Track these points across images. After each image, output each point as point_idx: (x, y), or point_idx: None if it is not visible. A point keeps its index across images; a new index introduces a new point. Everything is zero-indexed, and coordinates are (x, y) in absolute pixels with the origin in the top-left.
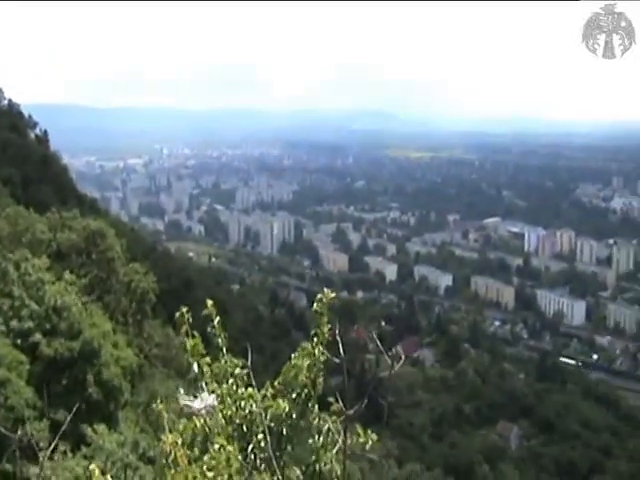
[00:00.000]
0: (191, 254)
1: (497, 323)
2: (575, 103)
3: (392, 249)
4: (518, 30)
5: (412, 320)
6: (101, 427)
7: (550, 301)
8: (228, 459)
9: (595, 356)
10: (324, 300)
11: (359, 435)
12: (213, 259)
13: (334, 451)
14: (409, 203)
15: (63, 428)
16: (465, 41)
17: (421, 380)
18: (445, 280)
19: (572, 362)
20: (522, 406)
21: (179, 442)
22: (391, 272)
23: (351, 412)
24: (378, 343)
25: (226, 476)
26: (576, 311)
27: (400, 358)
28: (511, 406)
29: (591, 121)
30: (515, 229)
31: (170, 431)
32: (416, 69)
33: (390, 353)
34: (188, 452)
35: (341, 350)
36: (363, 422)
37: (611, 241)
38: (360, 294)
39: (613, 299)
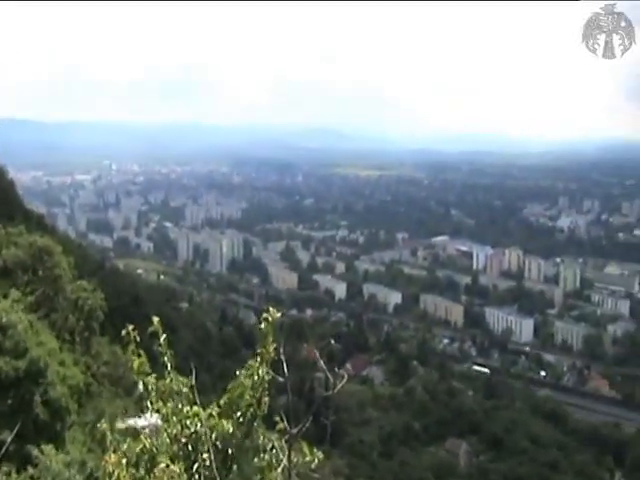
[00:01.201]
0: (140, 271)
1: (446, 341)
2: (523, 123)
3: (341, 267)
4: (467, 49)
5: (361, 338)
6: (48, 447)
7: (498, 319)
8: (172, 478)
9: (543, 373)
10: (269, 319)
11: (305, 454)
12: (162, 276)
13: (279, 470)
14: (358, 221)
15: (5, 448)
16: (414, 59)
17: (370, 398)
18: (394, 298)
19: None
20: (471, 423)
21: (123, 462)
22: (340, 290)
23: (295, 431)
24: (320, 361)
25: None
26: (524, 328)
27: (343, 376)
28: (460, 423)
29: (537, 141)
30: (464, 247)
31: (115, 451)
32: (367, 86)
33: (337, 371)
34: (133, 472)
35: (285, 369)
36: (313, 441)
37: (558, 259)
38: (309, 312)
39: (560, 317)
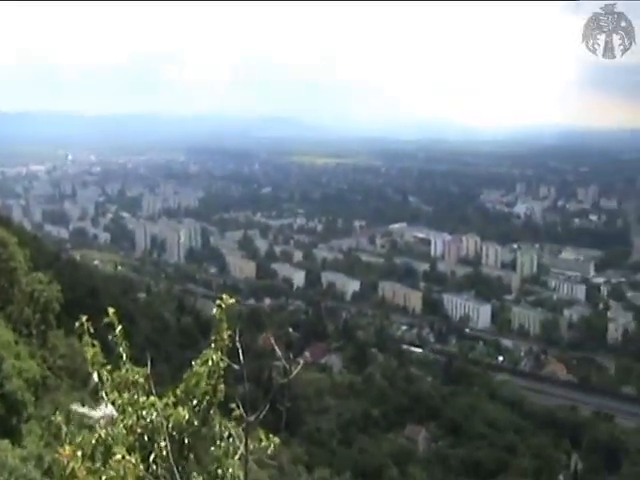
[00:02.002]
0: (96, 262)
1: (404, 327)
2: (479, 110)
3: (299, 255)
4: (422, 36)
5: (320, 326)
6: (4, 442)
7: (456, 305)
8: (128, 469)
9: (500, 358)
10: (223, 306)
11: (262, 440)
12: (119, 267)
13: (236, 457)
14: (316, 209)
15: None
16: (370, 45)
17: (329, 386)
18: (352, 286)
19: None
20: (429, 409)
21: (79, 454)
22: (298, 278)
23: (252, 418)
24: (277, 349)
25: None
26: (482, 314)
27: (298, 363)
28: (418, 409)
29: (494, 128)
30: (421, 234)
31: (70, 443)
32: (323, 75)
33: (293, 359)
34: (89, 464)
35: (241, 356)
36: (271, 430)
37: (515, 245)
38: (268, 301)
39: (517, 302)
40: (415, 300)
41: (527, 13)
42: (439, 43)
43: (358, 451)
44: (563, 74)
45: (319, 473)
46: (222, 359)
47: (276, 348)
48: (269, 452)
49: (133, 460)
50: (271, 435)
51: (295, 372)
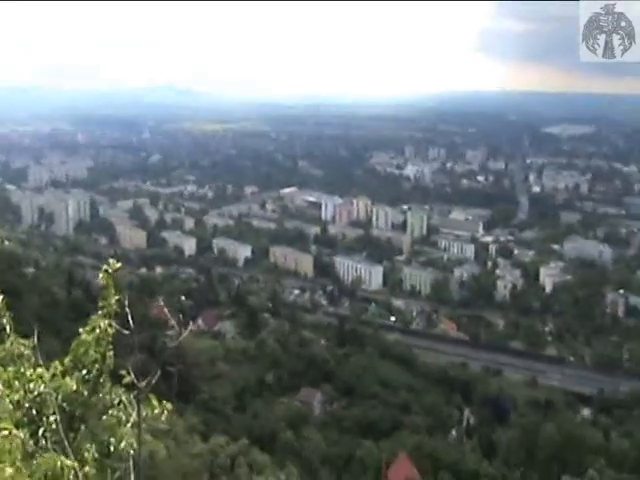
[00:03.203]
0: None
1: (296, 292)
2: (368, 75)
3: (190, 223)
4: (306, 8)
5: (212, 293)
6: None
7: (348, 267)
8: (13, 445)
9: (392, 318)
10: (109, 271)
11: (154, 407)
12: (6, 242)
13: (129, 425)
14: (206, 176)
15: None
16: (256, 18)
17: (222, 352)
18: (244, 252)
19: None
20: (323, 371)
21: None
22: (189, 246)
23: (143, 384)
24: (168, 316)
25: (9, 463)
26: (373, 276)
27: (186, 328)
28: (312, 372)
29: (383, 92)
30: (312, 198)
31: None
32: (211, 43)
33: (183, 326)
34: None
35: (130, 322)
36: (165, 399)
37: (405, 207)
38: (159, 270)
39: (408, 263)
40: (307, 264)
41: None
42: (327, 13)
43: (253, 416)
44: (451, 39)
45: (214, 441)
46: (110, 325)
47: (168, 315)
48: (162, 419)
49: (21, 435)
50: (164, 402)
51: (183, 336)
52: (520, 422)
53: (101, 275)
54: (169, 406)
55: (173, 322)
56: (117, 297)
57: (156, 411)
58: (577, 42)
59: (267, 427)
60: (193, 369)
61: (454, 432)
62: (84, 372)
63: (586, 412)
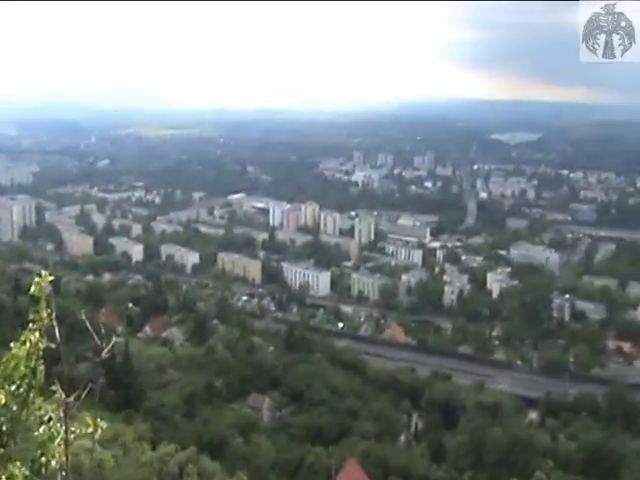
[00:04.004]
0: None
1: (245, 298)
2: (317, 82)
3: (138, 229)
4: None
5: (160, 300)
6: None
7: (296, 273)
8: None
9: (341, 324)
10: (42, 283)
11: (87, 424)
12: None
13: (57, 441)
14: (154, 182)
15: None
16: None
17: (171, 359)
18: (192, 258)
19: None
20: (272, 378)
21: None
22: (137, 252)
23: (71, 399)
24: (89, 326)
25: None
26: (321, 282)
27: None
28: (261, 379)
29: (332, 99)
30: (260, 204)
31: None
32: (161, 48)
33: (129, 334)
34: None
35: (58, 334)
36: (115, 407)
37: (353, 213)
38: (107, 276)
39: (356, 268)
40: (255, 270)
41: None
42: (281, 15)
43: (202, 423)
44: (399, 47)
45: (163, 449)
46: (41, 339)
47: (119, 325)
48: (97, 437)
49: None
50: (98, 419)
51: (108, 348)
52: (468, 426)
53: (33, 287)
54: (102, 424)
55: (121, 329)
56: (49, 310)
57: (89, 429)
58: (525, 49)
59: (216, 434)
60: (141, 376)
61: (403, 437)
62: (13, 387)
63: (533, 415)
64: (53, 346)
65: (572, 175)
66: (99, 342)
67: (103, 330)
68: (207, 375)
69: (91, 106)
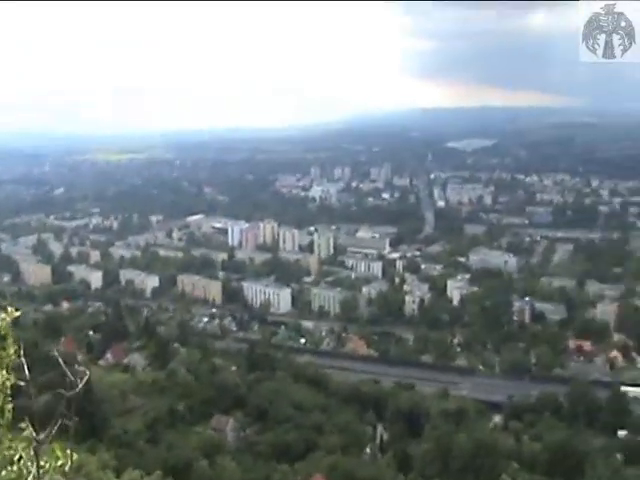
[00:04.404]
0: None
1: (205, 319)
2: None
3: (96, 255)
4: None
5: (120, 326)
6: None
7: (256, 292)
8: None
9: (302, 340)
10: (7, 318)
11: (57, 458)
12: None
13: (30, 479)
14: (111, 207)
15: None
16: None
17: (133, 385)
18: (151, 282)
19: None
20: (235, 398)
21: None
22: (96, 279)
23: (42, 436)
24: (60, 361)
25: None
26: (282, 299)
27: (85, 372)
28: (224, 399)
29: (288, 115)
30: (218, 224)
31: None
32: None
33: (78, 367)
34: None
35: (27, 370)
36: (78, 438)
37: (312, 228)
38: (65, 305)
39: (316, 283)
40: (215, 290)
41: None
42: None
43: (167, 448)
44: (352, 60)
45: (128, 476)
46: (9, 377)
47: (80, 353)
48: (67, 469)
49: None
50: (68, 450)
51: (82, 384)
52: (433, 434)
53: None
54: (74, 456)
55: (81, 357)
56: (15, 347)
57: (60, 462)
58: (479, 57)
59: (181, 458)
60: (104, 404)
61: (368, 449)
62: None
63: (497, 419)
64: (22, 383)
65: (528, 179)
66: (69, 375)
67: (62, 360)
68: (170, 399)
69: (44, 133)
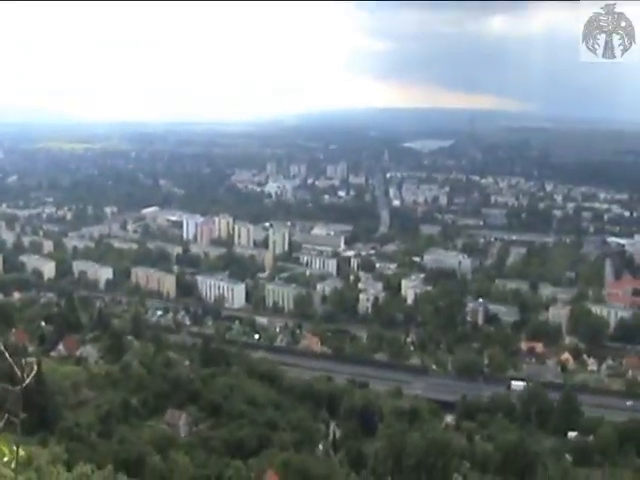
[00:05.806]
0: None
1: (159, 312)
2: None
3: (49, 246)
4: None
5: (73, 317)
6: None
7: (210, 286)
8: None
9: (257, 336)
10: None
11: (3, 454)
12: None
13: None
14: (65, 197)
15: None
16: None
17: (86, 378)
18: (105, 274)
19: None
20: (189, 392)
21: None
22: (49, 270)
23: None
24: (6, 354)
25: None
26: (236, 294)
27: (32, 366)
28: (178, 394)
29: (245, 110)
30: (174, 217)
31: None
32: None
33: (26, 360)
34: None
35: None
36: (28, 430)
37: (267, 224)
38: (17, 295)
39: (271, 279)
40: (169, 284)
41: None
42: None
43: (119, 442)
44: (311, 58)
45: (79, 469)
46: None
47: (31, 344)
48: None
49: None
50: (15, 446)
51: (30, 378)
52: (386, 432)
53: None
54: (21, 452)
55: (33, 348)
56: None
57: (5, 459)
58: (436, 59)
59: (133, 452)
60: (55, 397)
61: (321, 446)
62: None
63: (450, 418)
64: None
65: (483, 181)
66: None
67: (10, 351)
68: (123, 392)
69: None
